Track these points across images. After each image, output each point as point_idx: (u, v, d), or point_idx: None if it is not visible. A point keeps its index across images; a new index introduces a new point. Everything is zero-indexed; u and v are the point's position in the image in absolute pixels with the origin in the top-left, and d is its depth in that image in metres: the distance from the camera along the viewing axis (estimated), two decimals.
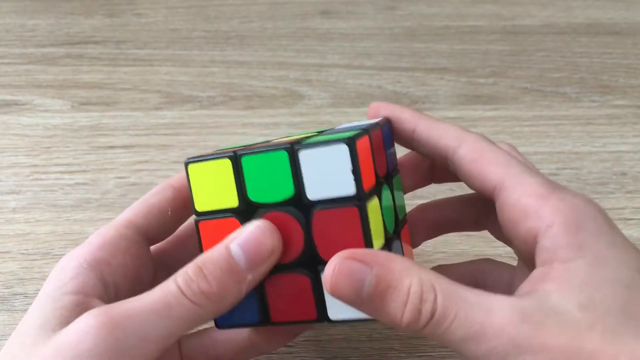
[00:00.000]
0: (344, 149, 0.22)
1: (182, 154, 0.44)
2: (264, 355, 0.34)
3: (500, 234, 0.26)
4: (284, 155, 0.23)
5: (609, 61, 0.52)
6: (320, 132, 0.27)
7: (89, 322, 0.22)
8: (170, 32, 0.54)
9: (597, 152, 0.44)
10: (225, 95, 0.49)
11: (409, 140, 0.28)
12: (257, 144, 0.26)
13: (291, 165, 0.23)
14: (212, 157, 0.25)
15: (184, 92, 0.49)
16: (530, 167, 0.25)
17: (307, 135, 0.26)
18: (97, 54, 0.51)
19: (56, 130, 0.45)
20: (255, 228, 0.23)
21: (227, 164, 0.24)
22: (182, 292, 0.23)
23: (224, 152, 0.25)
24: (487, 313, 0.20)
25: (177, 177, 0.28)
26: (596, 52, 0.53)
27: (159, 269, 0.28)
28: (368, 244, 0.23)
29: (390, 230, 0.25)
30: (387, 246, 0.25)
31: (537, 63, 0.52)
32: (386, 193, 0.26)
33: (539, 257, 0.22)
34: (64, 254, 0.26)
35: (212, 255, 0.23)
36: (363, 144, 0.24)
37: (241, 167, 0.24)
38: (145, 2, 0.57)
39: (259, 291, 0.25)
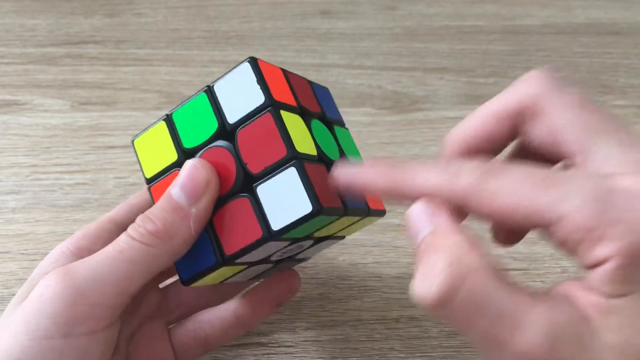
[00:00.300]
0: (246, 66, 0.25)
1: None
2: (263, 354, 0.34)
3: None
4: (203, 97, 0.26)
5: (609, 61, 0.52)
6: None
7: (48, 277, 0.23)
8: (170, 32, 0.54)
9: None
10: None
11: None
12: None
13: (211, 103, 0.26)
14: (150, 126, 0.28)
15: (184, 92, 0.49)
16: None
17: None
18: (97, 53, 0.51)
19: (56, 130, 0.45)
20: (188, 166, 0.25)
21: (162, 126, 0.27)
22: (131, 237, 0.24)
23: (159, 118, 0.28)
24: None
25: None
26: (596, 52, 0.53)
27: None
28: (288, 145, 0.24)
29: (333, 157, 0.27)
30: (329, 170, 0.25)
31: (537, 63, 0.52)
32: (318, 125, 0.27)
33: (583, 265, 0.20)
34: None
35: (156, 203, 0.25)
36: (268, 66, 0.26)
37: (174, 124, 0.27)
38: (145, 2, 0.57)
39: (210, 232, 0.25)
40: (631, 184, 0.19)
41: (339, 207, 0.25)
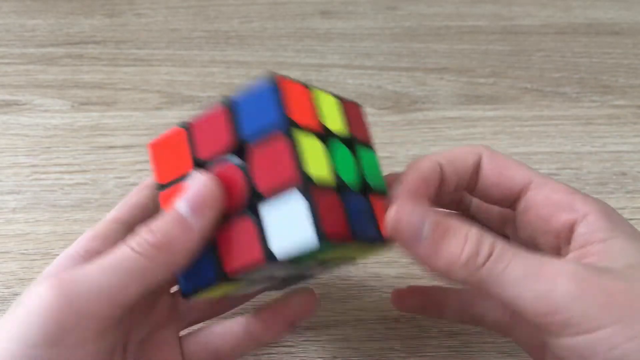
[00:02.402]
0: (268, 83, 0.24)
1: None
2: (264, 354, 0.34)
3: (481, 215, 0.29)
4: (222, 109, 0.26)
5: (609, 61, 0.52)
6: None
7: (40, 284, 0.23)
8: (170, 32, 0.54)
9: (597, 152, 0.44)
10: (225, 96, 0.49)
11: (437, 186, 0.28)
12: None
13: (228, 117, 0.25)
14: (167, 131, 0.27)
15: (184, 92, 0.49)
16: None
17: None
18: (97, 54, 0.51)
19: (56, 130, 0.45)
20: (196, 180, 0.24)
21: (181, 133, 0.27)
22: (131, 247, 0.24)
23: (177, 126, 0.27)
24: (544, 261, 0.22)
25: (151, 179, 0.30)
26: (596, 52, 0.53)
27: None
28: (301, 171, 0.23)
29: (351, 182, 0.26)
30: (343, 196, 0.24)
31: (537, 63, 0.52)
32: (339, 148, 0.26)
33: (575, 244, 0.24)
34: None
35: (159, 215, 0.25)
36: (293, 86, 0.25)
37: (192, 133, 0.26)
38: (145, 2, 0.57)
39: (212, 248, 0.25)
40: (617, 278, 0.22)
41: (346, 237, 0.24)
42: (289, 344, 0.34)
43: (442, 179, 0.27)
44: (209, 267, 0.25)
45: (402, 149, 0.45)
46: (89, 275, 0.23)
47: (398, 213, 0.23)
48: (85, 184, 0.42)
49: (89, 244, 0.27)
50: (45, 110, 0.47)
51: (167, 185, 0.27)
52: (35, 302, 0.23)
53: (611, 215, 0.25)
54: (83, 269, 0.23)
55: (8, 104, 0.47)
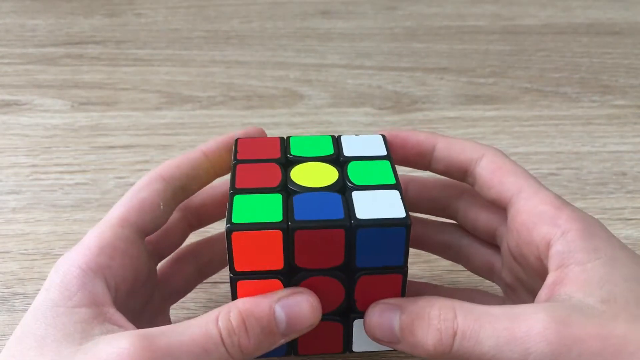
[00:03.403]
0: (401, 231, 0.23)
1: (182, 153, 0.44)
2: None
3: (468, 225, 0.29)
4: (340, 232, 0.23)
5: (609, 61, 0.52)
6: (335, 142, 0.27)
7: (127, 345, 0.21)
8: (170, 32, 0.54)
9: (597, 152, 0.44)
10: (225, 95, 0.49)
11: (427, 160, 0.29)
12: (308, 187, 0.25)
13: (346, 239, 0.23)
14: (260, 227, 0.23)
15: (184, 92, 0.49)
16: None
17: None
18: (97, 54, 0.51)
19: (56, 130, 0.45)
20: (302, 299, 0.24)
21: (277, 234, 0.23)
22: (223, 341, 0.23)
23: (274, 223, 0.23)
24: (513, 319, 0.21)
25: (166, 166, 0.28)
26: (596, 52, 0.53)
27: (151, 259, 0.28)
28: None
29: None
30: None
31: (537, 63, 0.52)
32: None
33: (553, 262, 0.23)
34: (63, 254, 0.26)
35: (255, 311, 0.23)
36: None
37: (292, 237, 0.23)
38: (145, 2, 0.57)
39: None
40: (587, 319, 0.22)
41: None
42: None
43: (432, 156, 0.28)
44: (282, 347, 0.25)
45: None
46: (177, 354, 0.22)
47: (369, 325, 0.24)
48: (85, 184, 0.42)
49: (97, 258, 0.25)
50: (45, 110, 0.47)
51: (246, 274, 0.24)
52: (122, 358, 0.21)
53: (594, 235, 0.23)
54: (170, 341, 0.22)
55: (8, 104, 0.47)
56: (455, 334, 0.22)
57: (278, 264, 0.24)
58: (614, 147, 0.44)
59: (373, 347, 0.25)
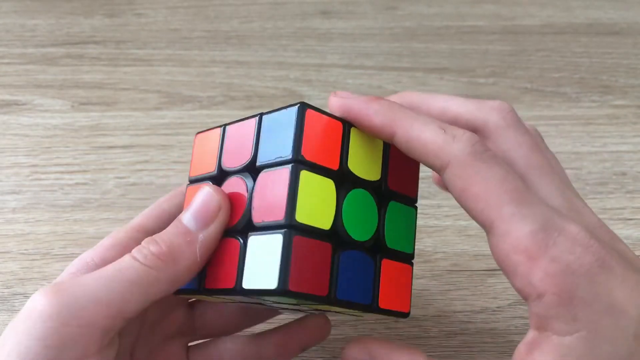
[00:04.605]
0: (293, 111, 0.23)
1: (182, 154, 0.44)
2: None
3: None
4: (253, 122, 0.25)
5: (609, 61, 0.52)
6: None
7: (39, 293, 0.22)
8: (170, 32, 0.54)
9: (597, 152, 0.44)
10: (225, 95, 0.49)
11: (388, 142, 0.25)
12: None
13: (255, 133, 0.25)
14: (214, 128, 0.27)
15: (184, 92, 0.49)
16: (526, 192, 0.21)
17: None
18: (97, 54, 0.51)
19: (56, 130, 0.45)
20: (202, 192, 0.24)
21: (217, 133, 0.26)
22: (134, 257, 0.23)
23: (223, 124, 0.27)
24: None
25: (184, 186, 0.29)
26: (596, 52, 0.53)
27: None
28: (289, 210, 0.22)
29: (357, 237, 0.24)
30: (340, 251, 0.23)
31: (537, 63, 0.52)
32: (360, 196, 0.24)
33: (532, 319, 0.21)
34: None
35: (166, 228, 0.24)
36: (321, 119, 0.23)
37: (224, 136, 0.26)
38: (145, 2, 0.57)
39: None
40: (575, 231, 0.20)
41: (319, 296, 0.22)
42: None
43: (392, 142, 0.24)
44: (195, 278, 0.25)
45: None
46: (89, 284, 0.22)
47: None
48: (85, 184, 0.42)
49: (106, 252, 0.26)
50: (45, 110, 0.47)
51: (194, 180, 0.27)
52: (35, 311, 0.22)
53: (574, 298, 0.20)
54: (84, 278, 0.23)
55: (8, 104, 0.47)
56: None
57: (213, 165, 0.26)
58: (614, 147, 0.44)
59: (259, 283, 0.22)
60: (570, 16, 0.57)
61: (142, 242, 0.24)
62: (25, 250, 0.38)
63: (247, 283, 0.23)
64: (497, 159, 0.22)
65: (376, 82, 0.50)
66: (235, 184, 0.25)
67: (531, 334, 0.21)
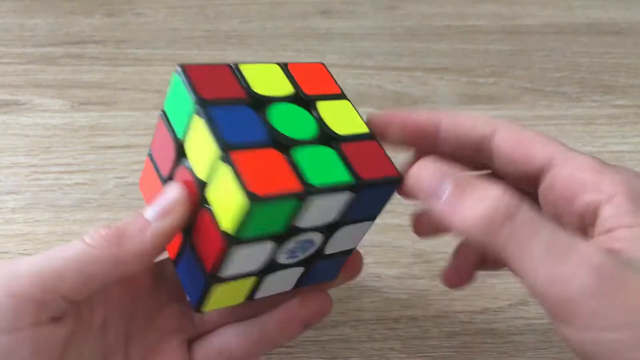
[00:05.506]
0: (175, 77, 0.24)
1: None
2: (265, 356, 0.33)
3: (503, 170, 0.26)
4: (162, 121, 0.26)
5: (609, 61, 0.52)
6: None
7: None
8: (170, 32, 0.54)
9: (597, 152, 0.43)
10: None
11: (431, 141, 0.26)
12: None
13: (166, 123, 0.25)
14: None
15: None
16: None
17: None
18: (96, 53, 0.51)
19: (55, 130, 0.45)
20: (167, 188, 0.25)
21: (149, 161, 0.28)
22: (82, 239, 0.23)
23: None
24: (569, 243, 0.20)
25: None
26: (597, 52, 0.53)
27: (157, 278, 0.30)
28: (219, 142, 0.22)
29: (300, 137, 0.25)
30: (291, 152, 0.24)
31: (538, 63, 0.52)
32: (284, 107, 0.25)
33: (600, 228, 0.22)
34: None
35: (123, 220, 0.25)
36: (202, 69, 0.24)
37: (153, 155, 0.27)
38: (145, 2, 0.57)
39: (194, 253, 0.25)
40: (625, 168, 0.22)
41: (296, 192, 0.22)
42: (289, 344, 0.34)
43: (437, 137, 0.26)
44: (199, 273, 0.25)
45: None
46: (31, 260, 0.23)
47: (419, 169, 0.22)
48: (84, 184, 0.41)
49: None
50: (45, 110, 0.47)
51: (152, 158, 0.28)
52: None
53: None
54: (33, 256, 0.23)
55: (8, 104, 0.47)
56: (511, 216, 0.20)
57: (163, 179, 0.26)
58: (615, 147, 0.44)
59: (234, 213, 0.22)
60: (570, 16, 0.57)
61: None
62: (24, 250, 0.37)
63: (228, 226, 0.22)
64: (538, 228, 0.22)
65: (376, 82, 0.50)
66: (182, 172, 0.25)
67: (600, 238, 0.22)
